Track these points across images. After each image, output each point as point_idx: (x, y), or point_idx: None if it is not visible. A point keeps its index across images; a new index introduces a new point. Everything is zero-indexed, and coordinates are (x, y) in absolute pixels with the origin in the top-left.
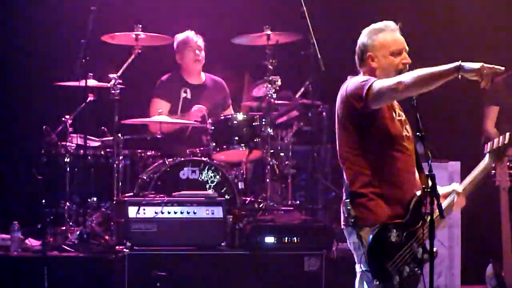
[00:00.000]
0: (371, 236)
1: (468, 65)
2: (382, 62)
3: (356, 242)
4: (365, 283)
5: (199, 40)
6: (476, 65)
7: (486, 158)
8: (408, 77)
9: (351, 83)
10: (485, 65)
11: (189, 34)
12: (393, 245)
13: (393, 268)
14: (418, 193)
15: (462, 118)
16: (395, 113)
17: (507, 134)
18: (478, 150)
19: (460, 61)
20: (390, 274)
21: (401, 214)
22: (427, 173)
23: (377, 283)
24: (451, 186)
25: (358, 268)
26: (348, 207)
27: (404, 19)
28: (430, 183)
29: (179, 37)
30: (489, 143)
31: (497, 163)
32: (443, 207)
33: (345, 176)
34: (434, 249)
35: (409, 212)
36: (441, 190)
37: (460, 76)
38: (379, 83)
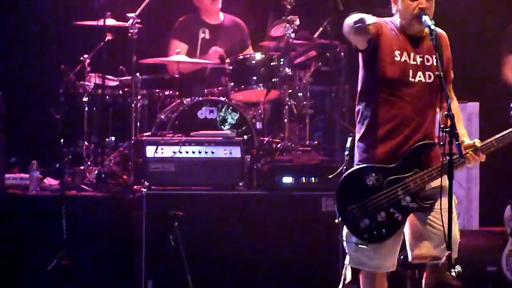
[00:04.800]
0: (343, 176)
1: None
2: (400, 6)
3: None
4: None
5: None
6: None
7: None
8: (346, 22)
9: None
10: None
11: None
12: (366, 188)
13: (357, 210)
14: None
15: (481, 59)
16: (405, 56)
17: None
18: (496, 91)
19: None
20: (351, 216)
21: (388, 159)
22: (445, 113)
23: (339, 220)
24: (474, 140)
25: None
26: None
27: None
28: (449, 122)
29: None
30: None
31: None
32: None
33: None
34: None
35: (401, 159)
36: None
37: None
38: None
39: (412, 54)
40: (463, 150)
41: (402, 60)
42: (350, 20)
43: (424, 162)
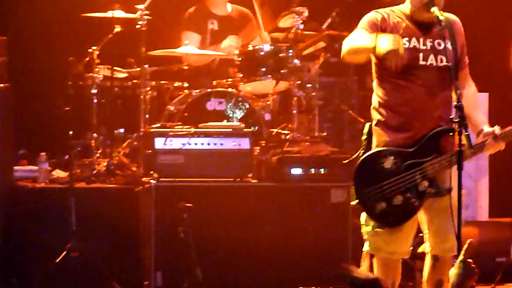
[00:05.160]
0: (361, 158)
1: (379, 48)
2: None
3: None
4: None
5: None
6: (385, 49)
7: None
8: (345, 46)
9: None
10: (393, 50)
11: None
12: (383, 171)
13: (374, 193)
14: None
15: (491, 48)
16: (414, 42)
17: None
18: (506, 81)
19: (377, 37)
20: (367, 198)
21: (407, 143)
22: (455, 103)
23: (355, 202)
24: (494, 128)
25: None
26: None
27: None
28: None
29: None
30: None
31: None
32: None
33: None
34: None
35: (421, 143)
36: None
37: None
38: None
39: (421, 39)
40: (483, 137)
41: (411, 46)
42: (381, 44)
43: (443, 148)
